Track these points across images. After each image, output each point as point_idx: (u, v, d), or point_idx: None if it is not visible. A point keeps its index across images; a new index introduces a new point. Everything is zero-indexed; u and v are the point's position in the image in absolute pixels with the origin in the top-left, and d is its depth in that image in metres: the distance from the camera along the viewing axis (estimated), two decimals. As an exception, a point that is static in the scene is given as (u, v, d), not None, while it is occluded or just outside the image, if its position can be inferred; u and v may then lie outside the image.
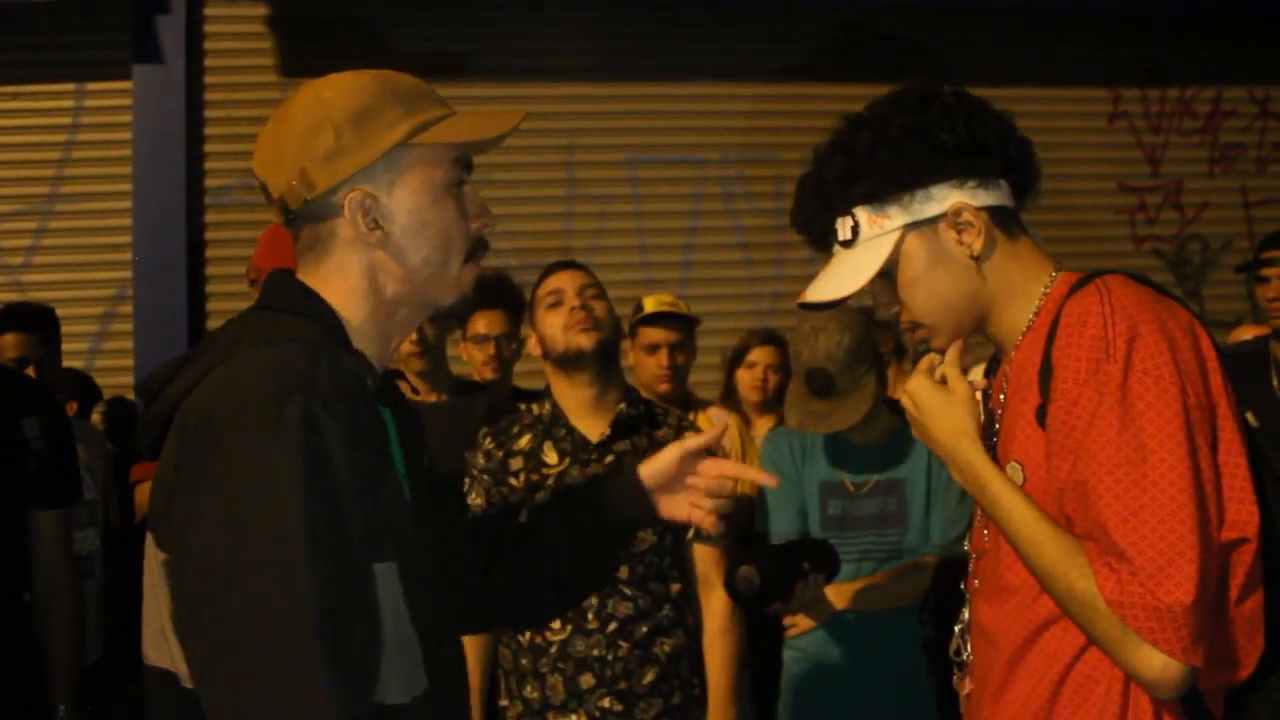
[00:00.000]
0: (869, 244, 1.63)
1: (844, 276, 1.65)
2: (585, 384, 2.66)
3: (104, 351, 5.44)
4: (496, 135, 1.48)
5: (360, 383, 1.37)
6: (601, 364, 2.65)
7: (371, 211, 1.43)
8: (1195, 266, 6.16)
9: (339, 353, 1.38)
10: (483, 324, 3.79)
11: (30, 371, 3.59)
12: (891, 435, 2.93)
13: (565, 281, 2.71)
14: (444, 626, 1.47)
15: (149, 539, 1.37)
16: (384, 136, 1.42)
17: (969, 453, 1.59)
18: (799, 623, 2.87)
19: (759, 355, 4.28)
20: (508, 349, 3.82)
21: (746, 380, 4.27)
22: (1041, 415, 1.52)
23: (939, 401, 1.62)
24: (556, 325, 2.66)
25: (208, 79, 5.58)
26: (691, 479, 1.67)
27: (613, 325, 2.71)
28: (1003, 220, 1.62)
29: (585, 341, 2.62)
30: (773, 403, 4.24)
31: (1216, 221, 6.21)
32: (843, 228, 1.64)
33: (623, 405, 2.67)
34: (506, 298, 3.65)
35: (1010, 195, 1.64)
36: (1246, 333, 4.26)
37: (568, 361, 2.65)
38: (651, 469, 1.68)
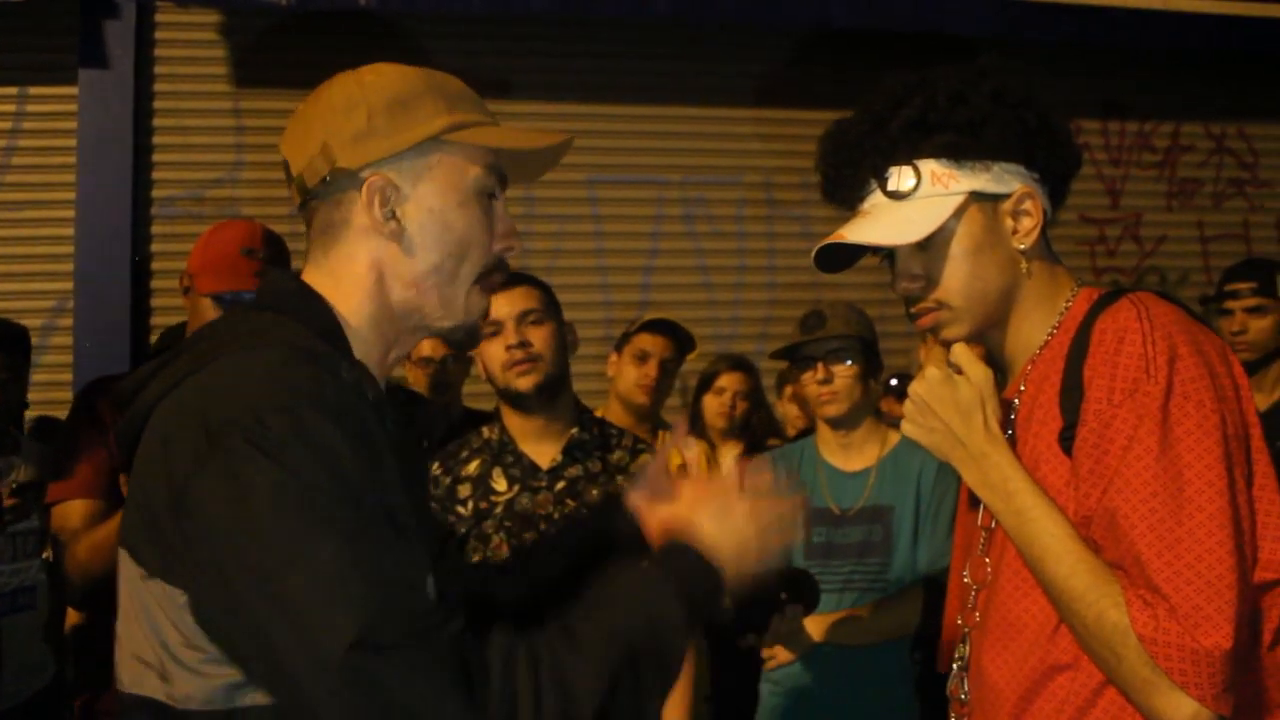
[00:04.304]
0: (928, 201, 1.48)
1: (896, 225, 1.48)
2: (533, 414, 2.56)
3: (42, 365, 5.22)
4: (535, 148, 1.41)
5: (362, 397, 1.24)
6: (547, 398, 2.53)
7: (391, 200, 1.34)
8: (1153, 299, 6.17)
9: (337, 362, 1.25)
10: (428, 345, 3.67)
11: None
12: (880, 461, 2.86)
13: (503, 308, 2.51)
14: None
15: (124, 557, 1.23)
16: (418, 127, 1.35)
17: (999, 457, 1.45)
18: (777, 654, 2.77)
19: (728, 381, 4.18)
20: (452, 371, 3.71)
21: (714, 406, 4.17)
22: (1064, 440, 1.41)
23: (965, 398, 1.47)
24: (496, 360, 2.53)
25: (157, 86, 5.40)
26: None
27: (558, 355, 2.54)
28: (1045, 225, 1.53)
29: (524, 385, 2.51)
30: (739, 430, 4.15)
31: (1174, 255, 6.23)
32: (898, 177, 1.50)
33: (574, 430, 2.56)
34: None
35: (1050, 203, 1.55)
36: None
37: (509, 399, 2.55)
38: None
